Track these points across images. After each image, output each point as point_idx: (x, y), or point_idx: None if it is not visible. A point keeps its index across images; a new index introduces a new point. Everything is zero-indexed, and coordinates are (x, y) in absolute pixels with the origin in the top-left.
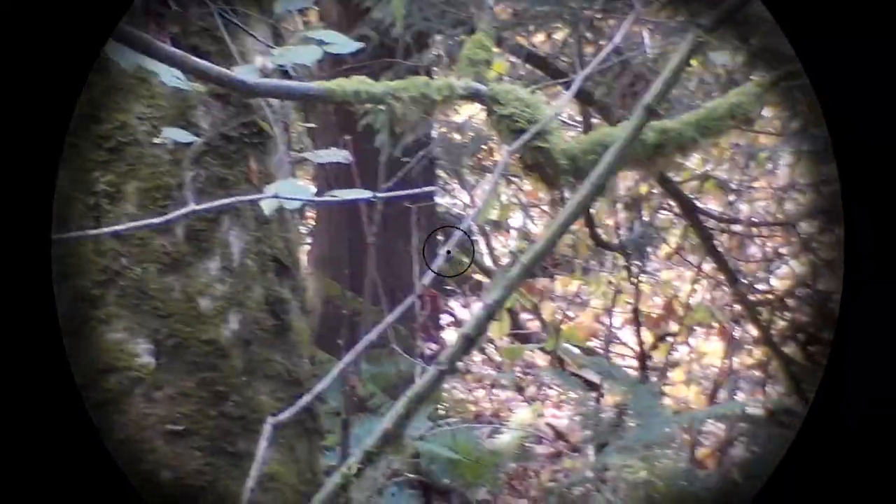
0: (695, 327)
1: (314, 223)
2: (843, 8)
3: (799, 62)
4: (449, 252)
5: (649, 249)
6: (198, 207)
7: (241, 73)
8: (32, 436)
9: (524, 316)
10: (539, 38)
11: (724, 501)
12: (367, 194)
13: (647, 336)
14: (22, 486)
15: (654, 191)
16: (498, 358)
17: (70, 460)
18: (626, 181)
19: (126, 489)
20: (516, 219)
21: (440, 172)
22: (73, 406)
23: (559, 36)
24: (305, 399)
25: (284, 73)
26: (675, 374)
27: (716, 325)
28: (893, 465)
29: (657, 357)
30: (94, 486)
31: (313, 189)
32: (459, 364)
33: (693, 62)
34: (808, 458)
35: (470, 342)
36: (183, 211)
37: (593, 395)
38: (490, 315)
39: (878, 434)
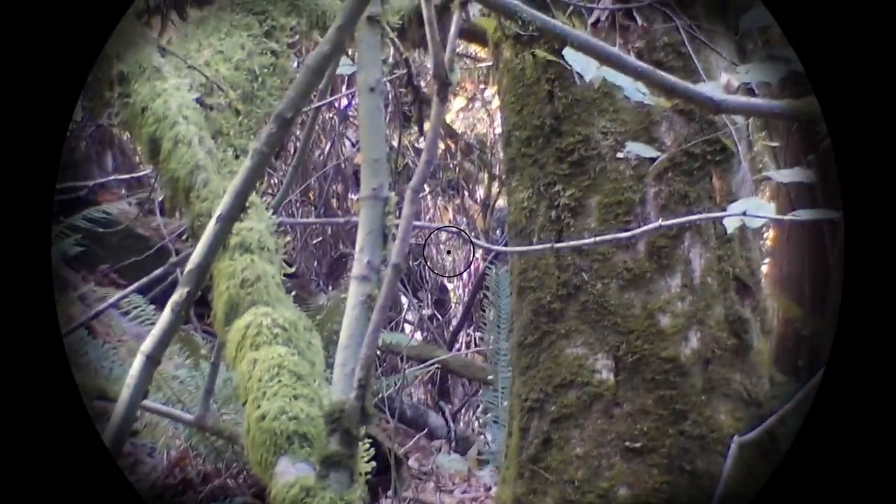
0: None
1: (771, 243)
2: (843, 8)
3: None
4: (449, 252)
5: None
6: (665, 223)
7: (706, 89)
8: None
9: None
10: None
11: (724, 501)
12: (832, 214)
13: None
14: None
15: None
16: None
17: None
18: None
19: None
20: None
21: None
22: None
23: None
24: (771, 420)
25: (749, 91)
26: None
27: None
28: (893, 465)
29: None
30: None
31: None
32: None
33: None
34: (807, 457)
35: None
36: (650, 227)
37: None
38: None
39: (879, 434)
